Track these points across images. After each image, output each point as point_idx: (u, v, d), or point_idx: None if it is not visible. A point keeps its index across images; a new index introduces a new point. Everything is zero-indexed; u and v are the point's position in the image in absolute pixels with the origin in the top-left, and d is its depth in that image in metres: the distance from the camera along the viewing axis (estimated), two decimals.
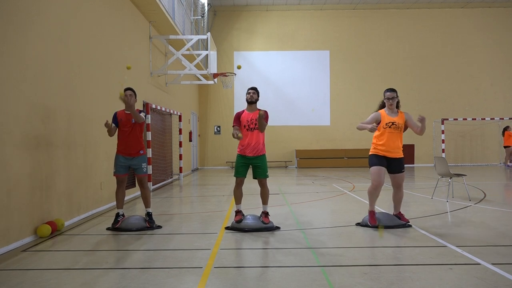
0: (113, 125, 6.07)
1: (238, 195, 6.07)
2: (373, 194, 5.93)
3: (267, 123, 5.94)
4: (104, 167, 7.92)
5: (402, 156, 5.93)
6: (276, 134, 20.09)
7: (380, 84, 20.10)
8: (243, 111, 6.02)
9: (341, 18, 20.83)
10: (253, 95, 5.95)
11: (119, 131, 6.10)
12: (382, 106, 6.09)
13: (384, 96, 5.96)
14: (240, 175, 5.99)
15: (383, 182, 5.86)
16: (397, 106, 6.02)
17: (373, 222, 5.88)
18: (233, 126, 6.00)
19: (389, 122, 5.82)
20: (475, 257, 4.37)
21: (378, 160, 5.86)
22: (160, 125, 12.37)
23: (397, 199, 6.03)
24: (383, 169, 5.84)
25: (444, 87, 20.70)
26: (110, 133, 6.06)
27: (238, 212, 6.00)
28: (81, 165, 7.02)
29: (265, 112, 5.92)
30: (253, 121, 5.86)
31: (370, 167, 5.94)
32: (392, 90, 5.93)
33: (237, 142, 6.16)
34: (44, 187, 5.77)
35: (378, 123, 5.89)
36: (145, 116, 6.19)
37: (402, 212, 6.07)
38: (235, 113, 6.06)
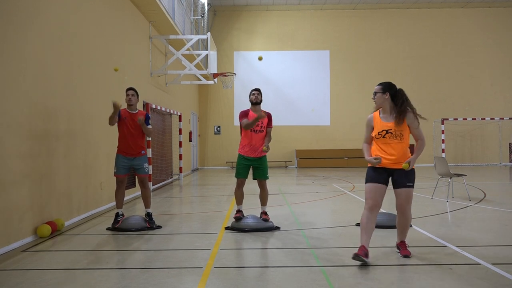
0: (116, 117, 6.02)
1: (239, 196, 6.05)
2: (369, 219, 4.30)
3: (271, 127, 6.03)
4: (104, 167, 7.92)
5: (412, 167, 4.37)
6: (276, 134, 19.97)
7: None
8: (249, 110, 5.95)
9: (341, 18, 20.83)
10: (257, 96, 5.95)
11: (121, 130, 6.07)
12: None
13: None
14: (241, 176, 5.97)
15: (379, 203, 4.38)
16: (401, 105, 4.37)
17: (359, 252, 4.16)
18: (240, 122, 5.89)
19: (382, 131, 4.37)
20: (475, 257, 4.37)
21: (373, 173, 4.42)
22: (160, 125, 12.37)
23: (399, 225, 4.54)
24: (379, 186, 4.37)
25: (444, 87, 20.71)
26: (112, 121, 5.92)
27: (238, 211, 6.01)
28: (81, 165, 7.01)
29: (269, 114, 5.96)
30: (258, 124, 5.86)
31: (365, 183, 4.50)
32: (380, 84, 4.54)
33: (237, 142, 6.16)
34: (44, 187, 5.77)
35: (372, 130, 4.51)
36: (150, 121, 6.20)
37: (406, 242, 4.60)
38: (239, 112, 5.97)
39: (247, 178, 6.03)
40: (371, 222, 4.31)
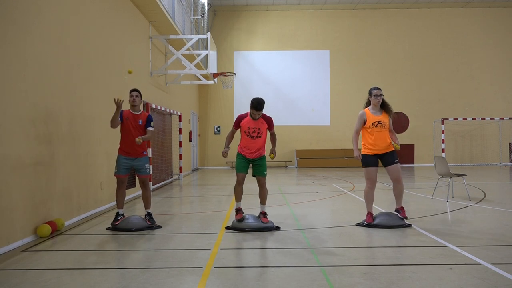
0: (118, 119, 6.03)
1: (239, 192, 6.03)
2: (369, 194, 6.07)
3: (272, 130, 6.17)
4: (104, 167, 7.92)
5: (393, 149, 5.97)
6: (276, 134, 20.04)
7: (380, 84, 19.88)
8: (246, 115, 5.93)
9: (341, 18, 20.83)
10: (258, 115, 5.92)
11: (123, 131, 6.06)
12: (368, 104, 6.12)
13: (372, 94, 5.99)
14: (241, 171, 5.98)
15: (376, 181, 6.05)
16: (384, 106, 6.01)
17: (368, 220, 6.01)
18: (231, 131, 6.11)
19: (375, 122, 5.91)
20: (475, 257, 4.37)
21: (370, 159, 5.98)
22: (160, 125, 12.36)
23: (397, 192, 6.03)
24: (374, 169, 5.98)
25: (444, 87, 20.71)
26: (114, 122, 5.93)
27: (238, 211, 5.98)
28: (81, 165, 7.01)
29: (269, 119, 6.01)
30: (255, 130, 5.89)
31: (363, 167, 6.07)
32: (378, 88, 6.05)
33: (237, 142, 6.18)
34: (44, 187, 5.77)
35: (365, 123, 5.99)
36: (152, 124, 6.20)
37: (404, 207, 6.06)
38: (237, 115, 6.04)
39: (247, 173, 6.07)
40: (371, 195, 6.09)
